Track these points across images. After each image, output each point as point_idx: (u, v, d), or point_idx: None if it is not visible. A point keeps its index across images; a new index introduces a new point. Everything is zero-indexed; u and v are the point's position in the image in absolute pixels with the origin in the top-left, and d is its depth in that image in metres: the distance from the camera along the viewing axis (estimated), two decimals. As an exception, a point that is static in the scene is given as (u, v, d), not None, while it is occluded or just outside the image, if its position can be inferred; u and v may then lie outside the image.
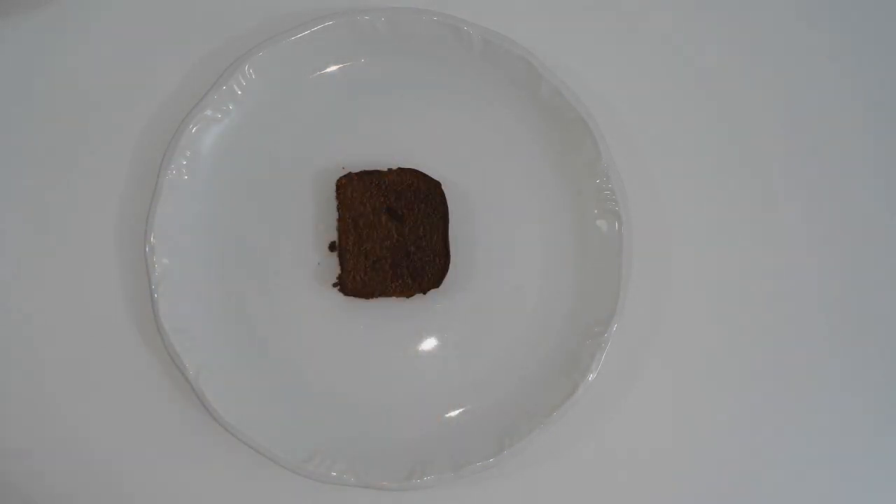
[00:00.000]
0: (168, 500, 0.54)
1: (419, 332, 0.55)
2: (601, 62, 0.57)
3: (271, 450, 0.52)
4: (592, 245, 0.54)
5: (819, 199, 0.57)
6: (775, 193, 0.57)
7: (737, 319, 0.56)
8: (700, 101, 0.57)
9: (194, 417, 0.53)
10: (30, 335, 0.54)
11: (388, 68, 0.55)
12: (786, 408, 0.56)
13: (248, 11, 0.55)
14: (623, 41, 0.57)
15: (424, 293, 0.54)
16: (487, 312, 0.55)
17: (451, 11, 0.53)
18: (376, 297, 0.53)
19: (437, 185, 0.53)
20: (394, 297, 0.54)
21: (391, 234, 0.53)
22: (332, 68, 0.55)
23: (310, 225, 0.54)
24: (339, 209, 0.53)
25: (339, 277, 0.54)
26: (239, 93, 0.53)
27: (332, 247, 0.54)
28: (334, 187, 0.53)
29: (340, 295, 0.53)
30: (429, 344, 0.55)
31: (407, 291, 0.53)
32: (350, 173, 0.53)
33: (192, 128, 0.53)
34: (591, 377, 0.52)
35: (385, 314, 0.54)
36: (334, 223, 0.54)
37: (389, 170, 0.53)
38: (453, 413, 0.54)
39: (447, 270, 0.53)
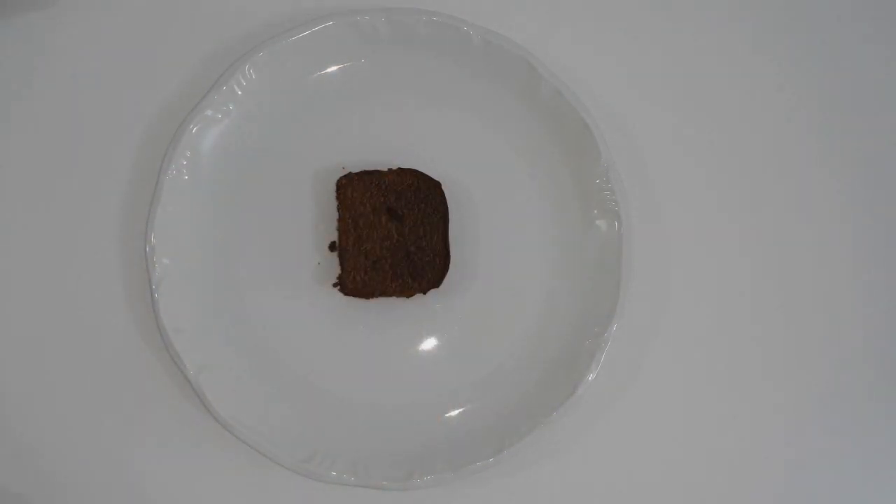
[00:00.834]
0: (168, 499, 0.54)
1: (419, 332, 0.55)
2: (601, 62, 0.57)
3: (271, 449, 0.52)
4: (592, 245, 0.54)
5: (819, 199, 0.57)
6: (775, 193, 0.57)
7: (736, 319, 0.56)
8: (700, 101, 0.57)
9: (194, 417, 0.53)
10: (30, 335, 0.54)
11: (388, 68, 0.55)
12: (786, 407, 0.56)
13: (249, 12, 0.55)
14: (623, 41, 0.57)
15: (424, 293, 0.54)
16: (487, 312, 0.55)
17: (451, 11, 0.53)
18: (376, 297, 0.53)
19: (437, 185, 0.53)
20: (394, 297, 0.54)
21: (391, 234, 0.53)
22: (332, 68, 0.55)
23: (310, 225, 0.54)
24: (339, 209, 0.53)
25: (339, 277, 0.54)
26: (239, 93, 0.53)
27: (332, 247, 0.54)
28: (334, 187, 0.53)
29: (340, 295, 0.53)
30: (429, 344, 0.55)
31: (407, 291, 0.53)
32: (350, 173, 0.53)
33: (192, 128, 0.53)
34: (591, 377, 0.52)
35: (385, 314, 0.54)
36: (334, 223, 0.54)
37: (389, 170, 0.53)
38: (453, 413, 0.54)
39: (447, 270, 0.53)
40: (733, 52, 0.57)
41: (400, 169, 0.53)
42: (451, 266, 0.53)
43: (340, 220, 0.53)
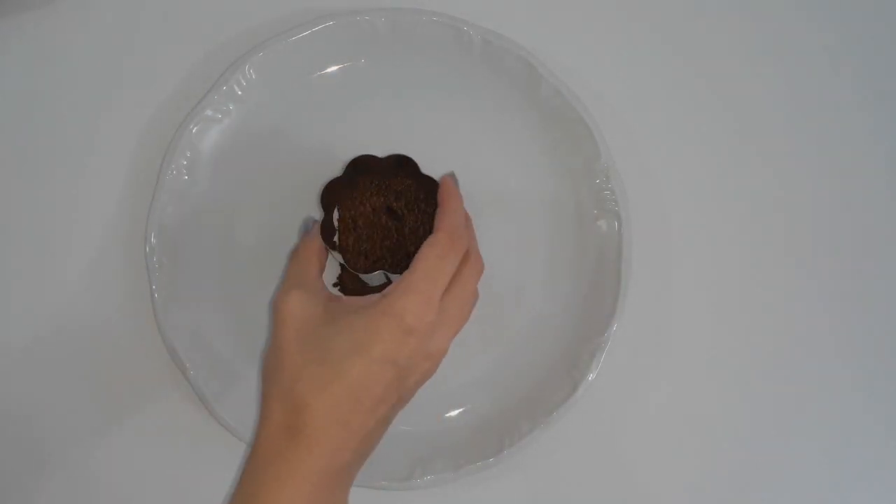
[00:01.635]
0: (168, 499, 0.54)
1: (419, 332, 0.55)
2: (601, 62, 0.57)
3: (271, 450, 0.52)
4: (592, 245, 0.54)
5: (821, 198, 0.57)
6: (776, 193, 0.57)
7: (737, 319, 0.56)
8: (700, 100, 0.57)
9: (194, 417, 0.53)
10: (30, 335, 0.54)
11: (388, 68, 0.55)
12: (786, 407, 0.56)
13: (249, 12, 0.55)
14: (623, 41, 0.57)
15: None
16: (487, 312, 0.55)
17: (451, 11, 0.53)
18: (376, 296, 0.53)
19: (437, 185, 0.53)
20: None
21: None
22: (332, 68, 0.55)
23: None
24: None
25: (339, 277, 0.54)
26: (239, 93, 0.53)
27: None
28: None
29: (340, 295, 0.53)
30: (429, 344, 0.55)
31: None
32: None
33: (192, 128, 0.53)
34: (591, 377, 0.52)
35: (385, 314, 0.54)
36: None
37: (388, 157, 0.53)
38: (453, 413, 0.54)
39: (447, 270, 0.53)
40: (733, 52, 0.57)
41: (396, 155, 0.52)
42: (451, 266, 0.53)
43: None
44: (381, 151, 0.51)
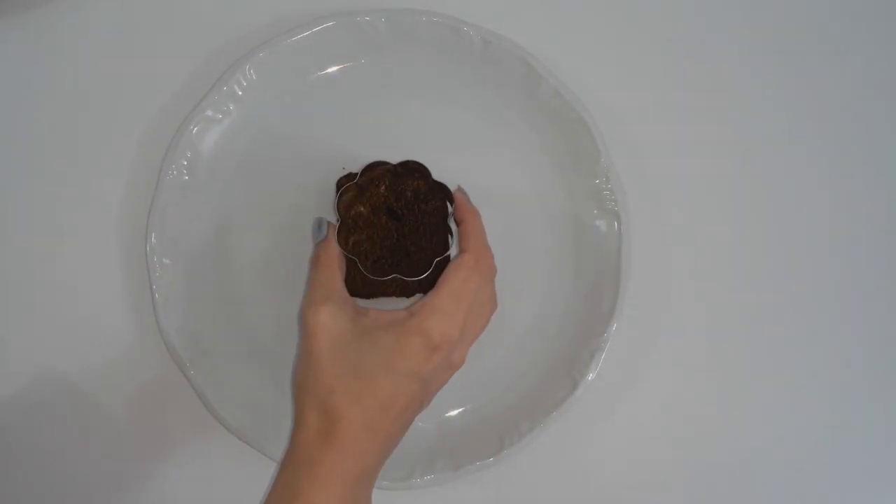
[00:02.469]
0: (168, 499, 0.54)
1: (419, 332, 0.55)
2: (601, 62, 0.57)
3: (272, 449, 0.52)
4: (592, 245, 0.54)
5: (819, 198, 0.57)
6: (775, 193, 0.57)
7: (736, 319, 0.56)
8: (699, 101, 0.57)
9: (194, 417, 0.53)
10: (30, 335, 0.54)
11: (388, 69, 0.55)
12: (786, 407, 0.56)
13: (249, 12, 0.55)
14: (623, 42, 0.57)
15: (424, 293, 0.53)
16: (487, 312, 0.55)
17: (451, 12, 0.53)
18: (376, 297, 0.53)
19: (436, 185, 0.53)
20: (394, 297, 0.54)
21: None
22: (333, 69, 0.55)
23: (310, 225, 0.54)
24: (339, 209, 0.53)
25: (347, 276, 0.53)
26: (239, 93, 0.53)
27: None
28: (334, 187, 0.53)
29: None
30: (429, 344, 0.55)
31: (407, 291, 0.53)
32: (350, 173, 0.53)
33: (193, 128, 0.53)
34: (591, 377, 0.52)
35: (385, 314, 0.54)
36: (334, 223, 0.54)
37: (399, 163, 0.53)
38: (453, 412, 0.54)
39: (447, 270, 0.53)
40: (733, 52, 0.57)
41: (406, 161, 0.52)
42: (451, 266, 0.53)
43: (341, 220, 0.53)
44: (380, 151, 0.51)
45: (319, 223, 0.51)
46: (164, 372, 0.54)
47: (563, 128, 0.54)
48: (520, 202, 0.55)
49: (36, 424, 0.54)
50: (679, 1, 0.57)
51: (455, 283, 0.48)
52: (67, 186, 0.55)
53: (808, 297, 0.57)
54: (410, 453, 0.53)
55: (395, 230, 0.53)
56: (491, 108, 0.55)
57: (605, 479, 0.56)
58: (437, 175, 0.52)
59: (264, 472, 0.53)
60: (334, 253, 0.50)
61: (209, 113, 0.53)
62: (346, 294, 0.50)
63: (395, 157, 0.53)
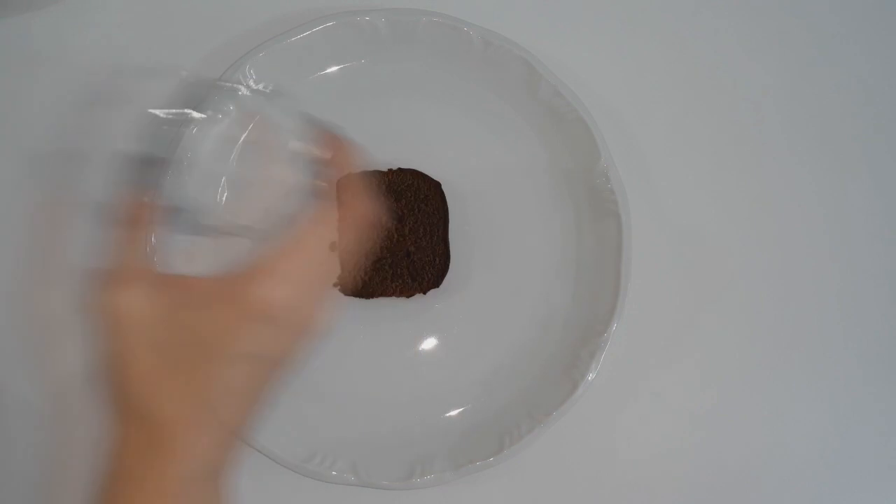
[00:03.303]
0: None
1: (419, 332, 0.55)
2: (601, 62, 0.57)
3: (271, 449, 0.52)
4: (592, 245, 0.54)
5: (820, 198, 0.57)
6: (775, 193, 0.57)
7: (736, 319, 0.56)
8: (700, 101, 0.57)
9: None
10: (30, 334, 0.54)
11: (388, 69, 0.55)
12: (786, 407, 0.56)
13: (249, 12, 0.55)
14: (623, 41, 0.57)
15: (424, 293, 0.54)
16: (487, 312, 0.55)
17: (451, 11, 0.53)
18: (376, 296, 0.53)
19: (437, 185, 0.53)
20: (394, 297, 0.54)
21: (391, 234, 0.53)
22: (333, 69, 0.55)
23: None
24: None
25: (340, 277, 0.53)
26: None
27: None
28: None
29: (341, 295, 0.53)
30: (429, 344, 0.55)
31: (407, 291, 0.53)
32: (350, 173, 0.53)
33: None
34: (591, 377, 0.52)
35: (385, 314, 0.54)
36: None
37: (389, 170, 0.53)
38: (453, 413, 0.54)
39: (447, 270, 0.53)
40: (733, 52, 0.57)
41: (400, 169, 0.53)
42: (451, 266, 0.54)
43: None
44: (380, 151, 0.51)
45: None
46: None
47: (563, 128, 0.54)
48: (519, 202, 0.55)
49: (34, 424, 0.54)
50: (679, 1, 0.57)
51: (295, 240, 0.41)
52: (67, 186, 0.55)
53: (809, 297, 0.57)
54: (410, 453, 0.53)
55: (395, 230, 0.53)
56: (491, 107, 0.55)
57: (605, 479, 0.56)
58: (437, 175, 0.52)
59: (265, 473, 0.53)
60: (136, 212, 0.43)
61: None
62: (151, 264, 0.42)
63: (394, 157, 0.53)
